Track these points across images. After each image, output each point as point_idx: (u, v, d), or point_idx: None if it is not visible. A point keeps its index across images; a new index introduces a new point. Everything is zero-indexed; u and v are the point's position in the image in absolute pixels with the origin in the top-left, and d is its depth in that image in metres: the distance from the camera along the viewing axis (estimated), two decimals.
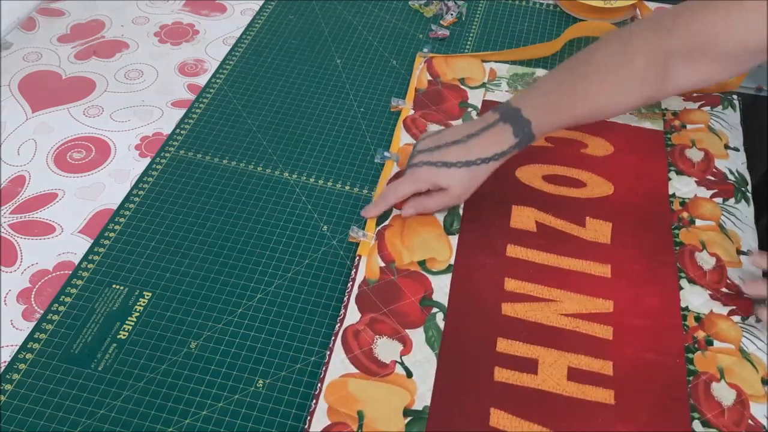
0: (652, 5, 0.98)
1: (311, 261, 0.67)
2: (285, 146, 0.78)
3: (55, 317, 0.62)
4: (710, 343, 0.61)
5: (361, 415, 0.55)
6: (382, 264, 0.66)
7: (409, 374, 0.58)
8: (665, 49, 0.63)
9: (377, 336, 0.60)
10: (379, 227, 0.69)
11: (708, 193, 0.73)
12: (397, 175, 0.74)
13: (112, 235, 0.68)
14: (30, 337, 0.60)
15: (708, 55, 0.63)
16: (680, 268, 0.66)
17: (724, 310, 0.63)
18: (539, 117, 0.64)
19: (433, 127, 0.79)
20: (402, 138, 0.78)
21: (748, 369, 0.59)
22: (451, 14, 0.96)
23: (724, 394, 0.57)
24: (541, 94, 0.66)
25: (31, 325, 0.62)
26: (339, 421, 0.55)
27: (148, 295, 0.64)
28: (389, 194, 0.69)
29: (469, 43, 0.92)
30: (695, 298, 0.64)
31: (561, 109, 0.65)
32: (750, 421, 0.56)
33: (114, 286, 0.64)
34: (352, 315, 0.62)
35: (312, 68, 0.88)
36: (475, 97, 0.83)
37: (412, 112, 0.81)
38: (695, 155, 0.76)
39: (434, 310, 0.62)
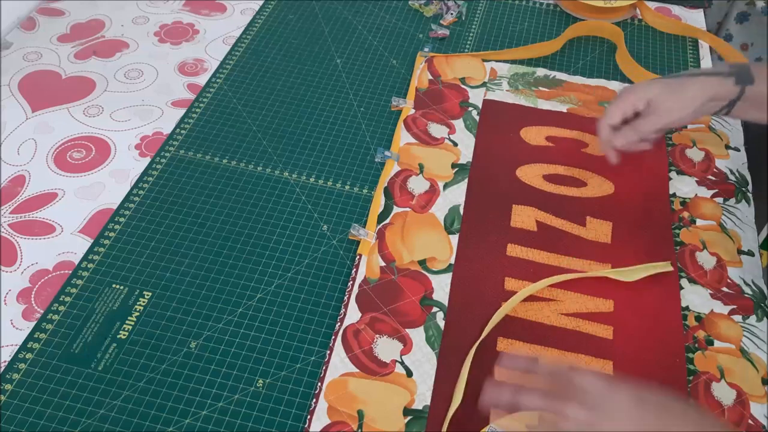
0: (653, 5, 0.98)
1: (311, 261, 0.67)
2: (285, 146, 0.78)
3: (55, 317, 0.62)
4: (710, 342, 0.61)
5: (361, 414, 0.55)
6: (383, 263, 0.65)
7: (409, 373, 0.58)
8: None
9: (377, 335, 0.60)
10: (380, 226, 0.69)
11: (709, 193, 0.72)
12: (399, 175, 0.74)
13: (111, 234, 0.68)
14: (30, 337, 0.60)
15: None
16: (681, 268, 0.66)
17: (725, 310, 0.63)
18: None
19: (434, 127, 0.79)
20: (402, 137, 0.78)
21: (749, 369, 0.59)
22: (451, 14, 0.96)
23: (724, 393, 0.57)
24: None
25: (31, 325, 0.62)
26: (339, 420, 0.55)
27: (148, 295, 0.64)
28: (602, 126, 0.68)
29: (469, 42, 0.92)
30: (696, 298, 0.64)
31: None
32: (750, 421, 0.56)
33: (114, 286, 0.64)
34: (353, 314, 0.62)
35: (312, 68, 0.88)
36: (476, 97, 0.83)
37: (413, 111, 0.81)
38: (696, 155, 0.76)
39: (434, 309, 0.62)
